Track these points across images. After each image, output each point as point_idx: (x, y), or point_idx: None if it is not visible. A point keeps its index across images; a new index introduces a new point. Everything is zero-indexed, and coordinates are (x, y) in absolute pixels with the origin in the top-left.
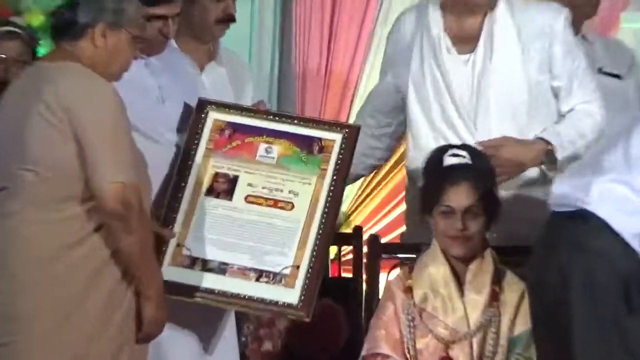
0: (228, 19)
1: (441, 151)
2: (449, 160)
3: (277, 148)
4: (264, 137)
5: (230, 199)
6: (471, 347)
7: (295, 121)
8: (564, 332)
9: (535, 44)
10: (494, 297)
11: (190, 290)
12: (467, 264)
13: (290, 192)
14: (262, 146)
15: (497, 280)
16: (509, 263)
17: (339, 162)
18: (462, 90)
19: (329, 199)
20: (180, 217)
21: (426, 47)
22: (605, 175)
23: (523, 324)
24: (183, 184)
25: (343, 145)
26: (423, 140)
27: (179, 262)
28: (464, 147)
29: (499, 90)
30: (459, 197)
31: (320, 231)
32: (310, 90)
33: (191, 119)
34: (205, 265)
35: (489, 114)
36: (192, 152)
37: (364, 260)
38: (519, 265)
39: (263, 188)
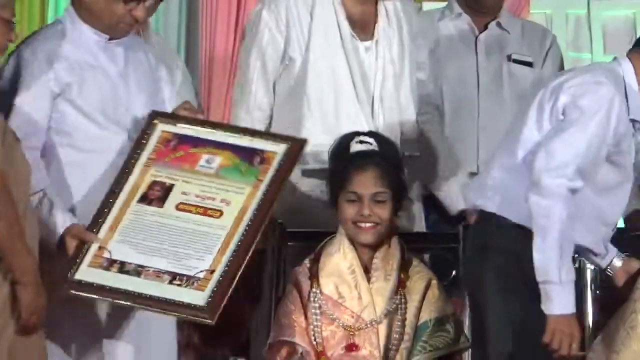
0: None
1: (348, 138)
2: (355, 147)
3: (219, 159)
4: (208, 148)
5: (162, 206)
6: (377, 334)
7: (241, 133)
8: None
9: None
10: (401, 285)
11: (102, 290)
12: (373, 251)
13: (222, 200)
14: (204, 157)
15: (404, 267)
16: (415, 250)
17: (276, 173)
18: (360, 77)
19: (258, 207)
20: (107, 222)
21: (330, 34)
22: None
23: (429, 312)
24: (117, 191)
25: (284, 157)
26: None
27: (97, 263)
28: (370, 134)
29: (390, 81)
30: (366, 183)
31: (242, 237)
32: (216, 81)
33: (139, 132)
34: (122, 268)
35: (383, 103)
36: (133, 161)
37: None
38: (422, 251)
39: (196, 197)
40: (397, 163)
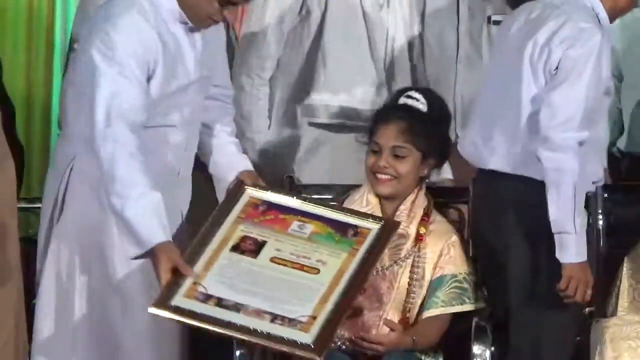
0: None
1: (400, 92)
2: (401, 101)
3: (311, 226)
4: (298, 216)
5: (255, 257)
6: (390, 285)
7: (332, 208)
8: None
9: None
10: (419, 238)
11: (207, 318)
12: (397, 203)
13: (318, 260)
14: (295, 223)
15: (424, 222)
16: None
17: (372, 246)
18: (375, 34)
19: (357, 271)
20: (201, 262)
21: None
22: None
23: (445, 269)
24: (209, 239)
25: (379, 234)
26: None
27: (193, 296)
28: (421, 90)
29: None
30: (387, 135)
31: (343, 295)
32: None
33: (225, 195)
34: (220, 303)
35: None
36: (221, 218)
37: None
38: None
39: (291, 254)
40: (435, 120)
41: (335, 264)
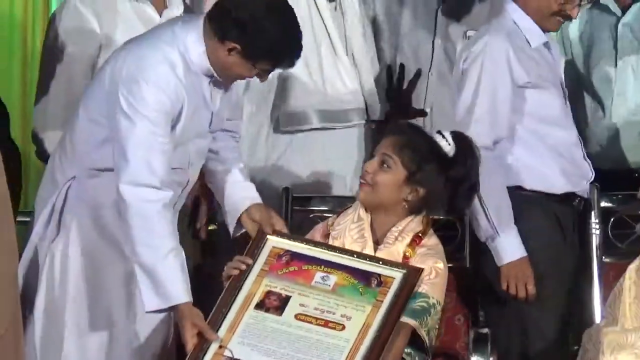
0: None
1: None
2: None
3: (334, 277)
4: (322, 267)
5: (280, 314)
6: None
7: (355, 256)
8: None
9: None
10: (404, 259)
11: None
12: (388, 226)
13: (342, 315)
14: (319, 274)
15: (413, 244)
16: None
17: (396, 296)
18: (335, 34)
19: (381, 325)
20: (225, 324)
21: None
22: None
23: (420, 288)
24: (233, 298)
25: (403, 282)
26: None
27: None
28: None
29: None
30: (384, 143)
31: (369, 352)
32: None
33: (248, 246)
34: None
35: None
36: (246, 274)
37: None
38: None
39: (315, 309)
40: (444, 157)
41: (360, 318)
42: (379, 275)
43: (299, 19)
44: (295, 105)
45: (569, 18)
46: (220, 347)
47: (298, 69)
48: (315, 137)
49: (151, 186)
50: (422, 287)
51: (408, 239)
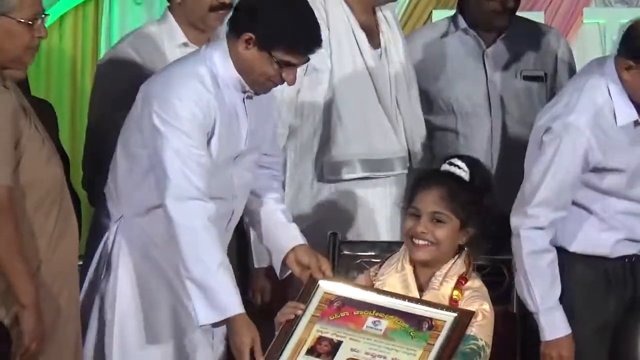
0: (221, 6)
1: (445, 158)
2: (443, 167)
3: (385, 322)
4: (374, 312)
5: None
6: None
7: (407, 300)
8: None
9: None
10: (452, 303)
11: None
12: (433, 269)
13: (393, 359)
14: (370, 319)
15: (459, 285)
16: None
17: (448, 339)
18: (380, 84)
19: None
20: None
21: (349, 45)
22: None
23: (469, 330)
24: (284, 344)
25: (453, 326)
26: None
27: None
28: (462, 157)
29: (403, 85)
30: (427, 200)
31: None
32: None
33: (300, 291)
34: None
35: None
36: (297, 320)
37: None
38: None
39: (366, 354)
40: (476, 189)
41: None
42: (430, 319)
43: (342, 67)
44: (338, 154)
45: None
46: None
47: (341, 117)
48: (360, 184)
49: (194, 198)
50: (470, 330)
51: (453, 282)
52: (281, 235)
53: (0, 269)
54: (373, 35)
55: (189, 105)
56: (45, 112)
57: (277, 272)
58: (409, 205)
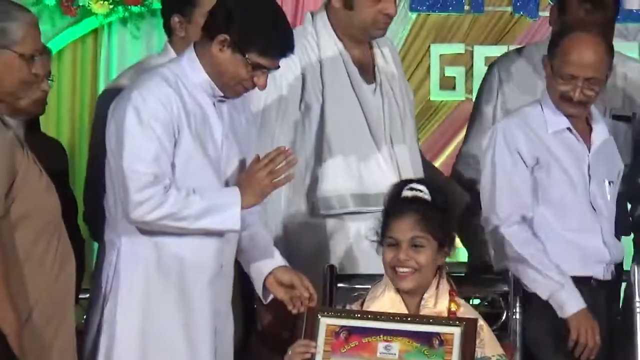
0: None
1: (400, 186)
2: (405, 194)
3: (397, 345)
4: (382, 336)
5: None
6: None
7: (409, 319)
8: None
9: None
10: (451, 315)
11: None
12: (419, 295)
13: None
14: (381, 344)
15: (454, 298)
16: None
17: (462, 353)
18: (373, 119)
19: None
20: None
21: (341, 80)
22: None
23: (483, 351)
24: None
25: (463, 337)
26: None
27: None
28: (420, 181)
29: (397, 121)
30: (403, 228)
31: None
32: None
33: (303, 327)
34: None
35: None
36: (311, 357)
37: None
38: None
39: None
40: (444, 209)
41: None
42: (438, 334)
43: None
44: (330, 189)
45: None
46: None
47: (332, 152)
48: (353, 217)
49: (152, 185)
50: (479, 352)
51: (446, 299)
52: (259, 259)
53: None
54: (367, 70)
55: (151, 101)
56: (56, 152)
57: (261, 296)
58: (383, 237)
